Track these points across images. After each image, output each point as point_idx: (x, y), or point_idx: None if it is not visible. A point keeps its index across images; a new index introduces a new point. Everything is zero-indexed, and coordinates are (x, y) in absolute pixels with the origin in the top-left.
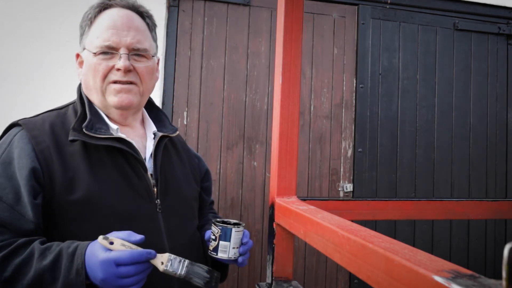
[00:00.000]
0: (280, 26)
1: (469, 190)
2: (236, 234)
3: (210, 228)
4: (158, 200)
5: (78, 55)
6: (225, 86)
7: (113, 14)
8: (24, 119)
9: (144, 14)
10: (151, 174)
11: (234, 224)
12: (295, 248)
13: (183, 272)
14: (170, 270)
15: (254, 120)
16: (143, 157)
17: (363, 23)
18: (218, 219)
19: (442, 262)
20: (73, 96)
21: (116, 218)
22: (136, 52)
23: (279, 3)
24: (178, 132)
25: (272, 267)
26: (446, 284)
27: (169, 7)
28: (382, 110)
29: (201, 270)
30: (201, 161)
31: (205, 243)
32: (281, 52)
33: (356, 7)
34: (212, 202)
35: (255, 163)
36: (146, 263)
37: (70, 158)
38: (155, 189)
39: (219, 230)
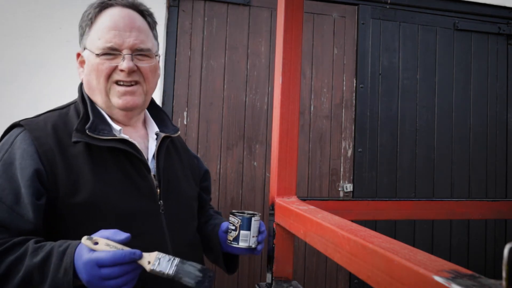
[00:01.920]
0: (280, 26)
1: (469, 190)
2: (255, 223)
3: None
4: (161, 201)
5: (78, 55)
6: (225, 86)
7: (114, 14)
8: (26, 119)
9: (145, 13)
10: (154, 175)
11: (251, 214)
12: (295, 248)
13: (171, 272)
14: (157, 269)
15: (254, 120)
16: (146, 158)
17: (363, 23)
18: (234, 210)
19: (442, 262)
20: (74, 96)
21: (121, 219)
22: (139, 53)
23: (279, 3)
24: (179, 132)
25: (272, 267)
26: (446, 284)
27: (169, 7)
28: (382, 110)
29: (193, 269)
30: (200, 162)
31: (202, 244)
32: (281, 52)
33: (356, 7)
34: (210, 200)
35: (255, 163)
36: (132, 263)
37: (74, 160)
38: (158, 190)
39: (239, 220)
